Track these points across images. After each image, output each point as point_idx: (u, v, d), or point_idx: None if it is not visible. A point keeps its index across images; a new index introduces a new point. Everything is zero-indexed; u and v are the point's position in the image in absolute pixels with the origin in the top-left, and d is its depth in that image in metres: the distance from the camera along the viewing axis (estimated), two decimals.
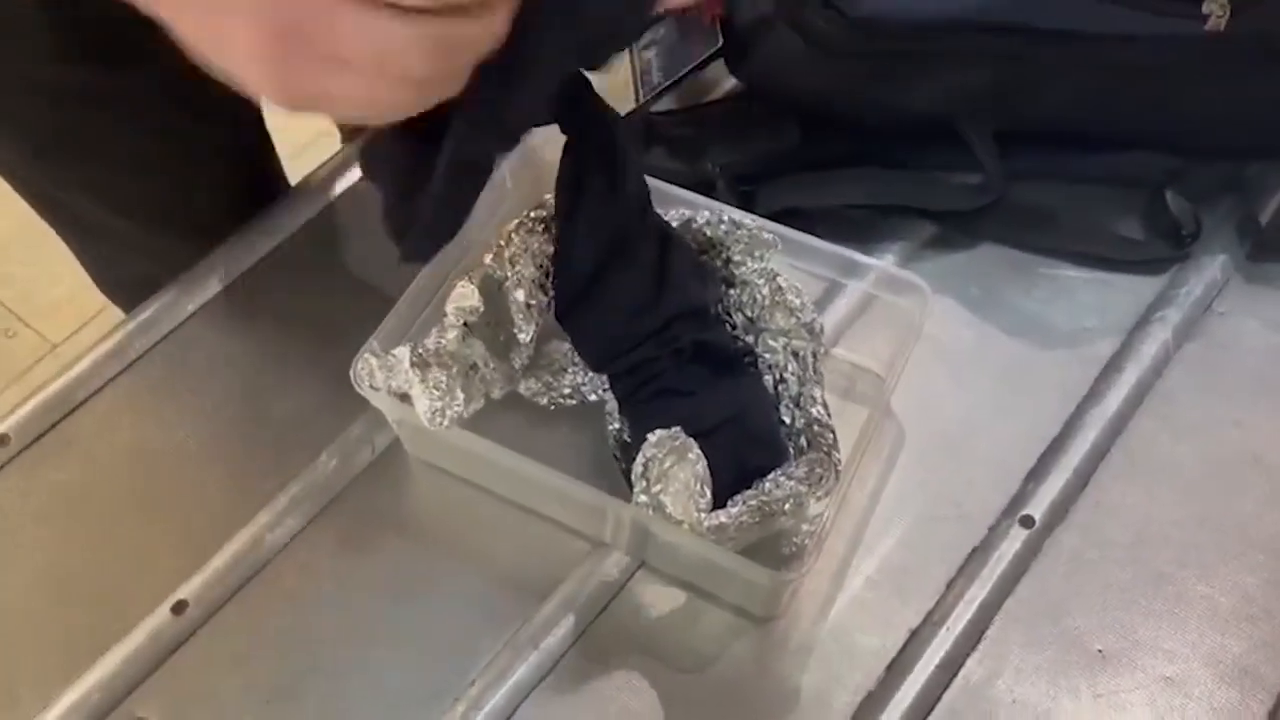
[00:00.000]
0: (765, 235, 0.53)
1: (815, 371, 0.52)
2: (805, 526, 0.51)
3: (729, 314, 0.54)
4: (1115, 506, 0.54)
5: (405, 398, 0.49)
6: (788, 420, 0.53)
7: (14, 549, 0.54)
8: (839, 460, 0.49)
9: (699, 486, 0.46)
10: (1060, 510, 0.53)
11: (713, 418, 0.49)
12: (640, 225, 0.50)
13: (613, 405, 0.53)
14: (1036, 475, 0.54)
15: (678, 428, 0.47)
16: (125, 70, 0.55)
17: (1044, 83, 0.57)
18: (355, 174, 0.66)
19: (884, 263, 0.59)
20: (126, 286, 0.61)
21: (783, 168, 0.62)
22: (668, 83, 0.60)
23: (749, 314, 0.53)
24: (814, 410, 0.51)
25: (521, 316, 0.51)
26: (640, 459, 0.47)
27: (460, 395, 0.49)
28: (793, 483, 0.48)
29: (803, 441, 0.52)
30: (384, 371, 0.49)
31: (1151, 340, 0.58)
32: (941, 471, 0.55)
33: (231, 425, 0.57)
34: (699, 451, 0.47)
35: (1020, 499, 0.54)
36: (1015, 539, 0.52)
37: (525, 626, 0.51)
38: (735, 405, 0.51)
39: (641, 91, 0.61)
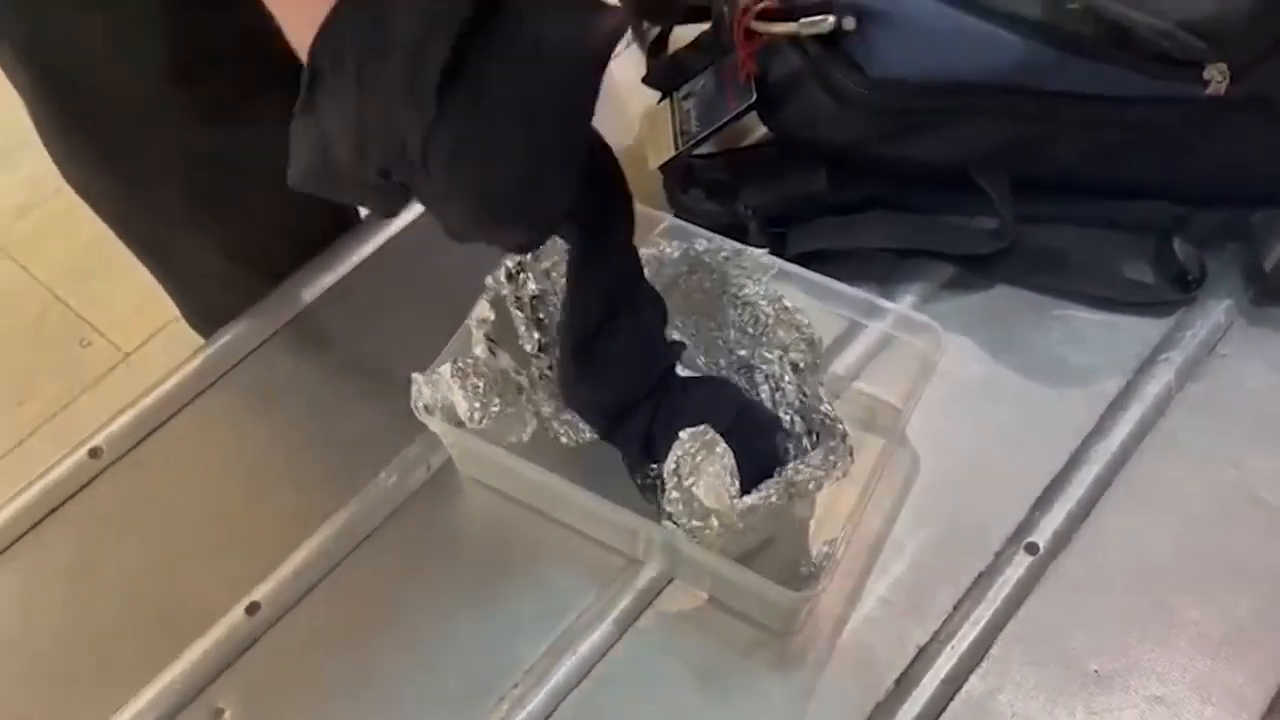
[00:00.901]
0: (763, 259, 0.58)
1: (815, 377, 0.56)
2: (824, 548, 0.55)
3: (726, 333, 0.59)
4: (1116, 536, 0.57)
5: (455, 414, 0.55)
6: (788, 424, 0.57)
7: (107, 553, 0.59)
8: (852, 446, 0.53)
9: (728, 477, 0.50)
10: (1064, 538, 0.57)
11: (719, 425, 0.53)
12: (638, 292, 0.54)
13: None
14: (1042, 505, 0.58)
15: (704, 425, 0.51)
16: (248, 132, 0.61)
17: (1055, 139, 0.61)
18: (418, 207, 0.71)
19: (901, 305, 0.63)
20: (214, 319, 0.67)
21: (811, 211, 0.66)
22: (705, 133, 0.64)
23: (751, 332, 0.58)
24: (822, 408, 0.55)
25: (524, 328, 0.57)
26: (672, 457, 0.51)
27: (497, 399, 0.54)
28: (811, 468, 0.52)
29: (805, 444, 0.56)
30: (430, 387, 0.54)
31: (1156, 380, 0.62)
32: (953, 499, 0.59)
33: (301, 444, 0.63)
34: (725, 445, 0.51)
35: (1026, 526, 0.58)
36: (1020, 564, 0.56)
37: (563, 635, 0.55)
38: (733, 410, 0.55)
39: (681, 140, 0.66)
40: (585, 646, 0.55)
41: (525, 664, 0.55)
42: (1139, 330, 0.64)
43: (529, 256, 0.58)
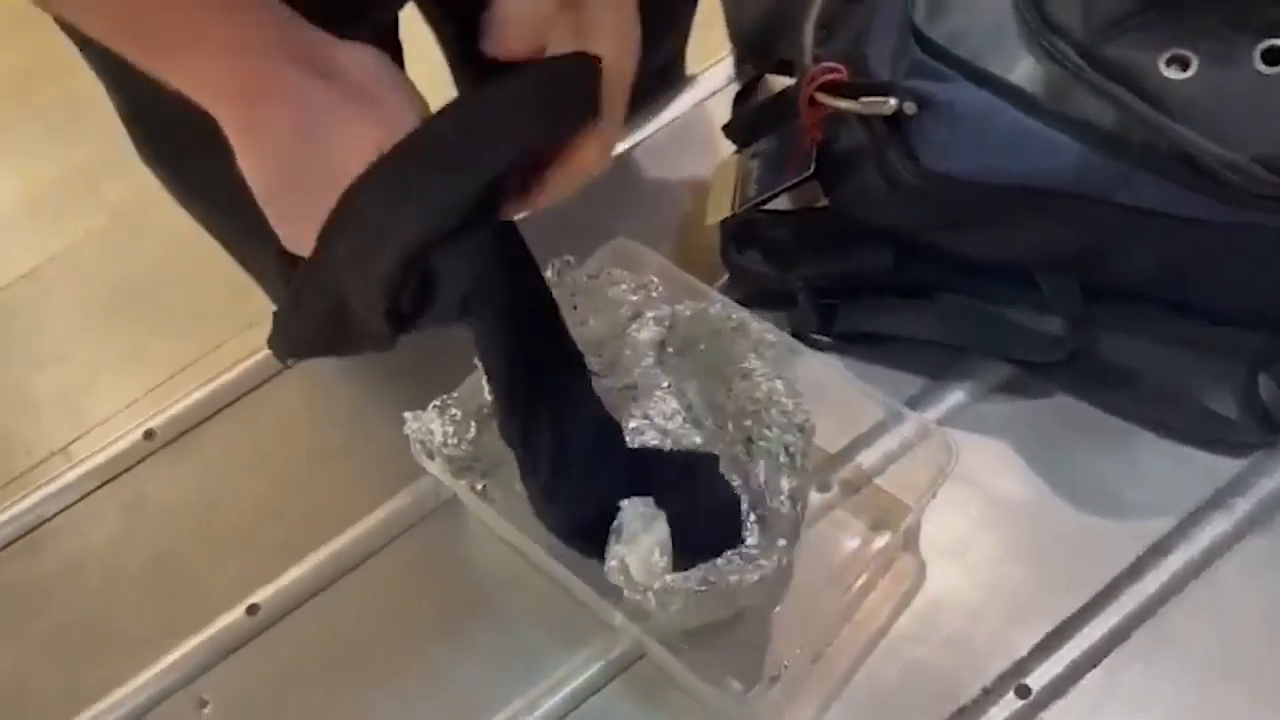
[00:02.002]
0: (769, 337, 0.56)
1: (801, 466, 0.54)
2: (798, 650, 0.53)
3: (732, 402, 0.58)
4: (1124, 693, 0.53)
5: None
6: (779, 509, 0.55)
7: (140, 531, 0.64)
8: (782, 546, 0.51)
9: (658, 554, 0.50)
10: (1062, 686, 0.53)
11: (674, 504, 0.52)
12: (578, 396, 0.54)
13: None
14: (1047, 645, 0.54)
15: (650, 498, 0.51)
16: None
17: (1127, 250, 0.56)
18: None
19: (945, 403, 0.61)
20: None
21: (868, 286, 0.64)
22: (759, 198, 0.62)
23: (750, 408, 0.56)
24: (775, 501, 0.53)
25: None
26: (616, 521, 0.51)
27: (473, 426, 0.55)
28: (738, 560, 0.51)
29: (749, 526, 0.55)
30: (417, 422, 0.55)
31: (1211, 526, 0.57)
32: (952, 621, 0.56)
33: (330, 454, 0.65)
34: (665, 522, 0.50)
35: (1023, 666, 0.54)
36: (1006, 707, 0.53)
37: (532, 691, 0.56)
38: (690, 494, 0.55)
39: (737, 201, 0.64)
40: (555, 702, 0.56)
41: (492, 710, 0.56)
42: (1205, 468, 0.58)
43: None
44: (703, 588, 0.49)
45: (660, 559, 0.49)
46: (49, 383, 1.56)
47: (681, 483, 0.55)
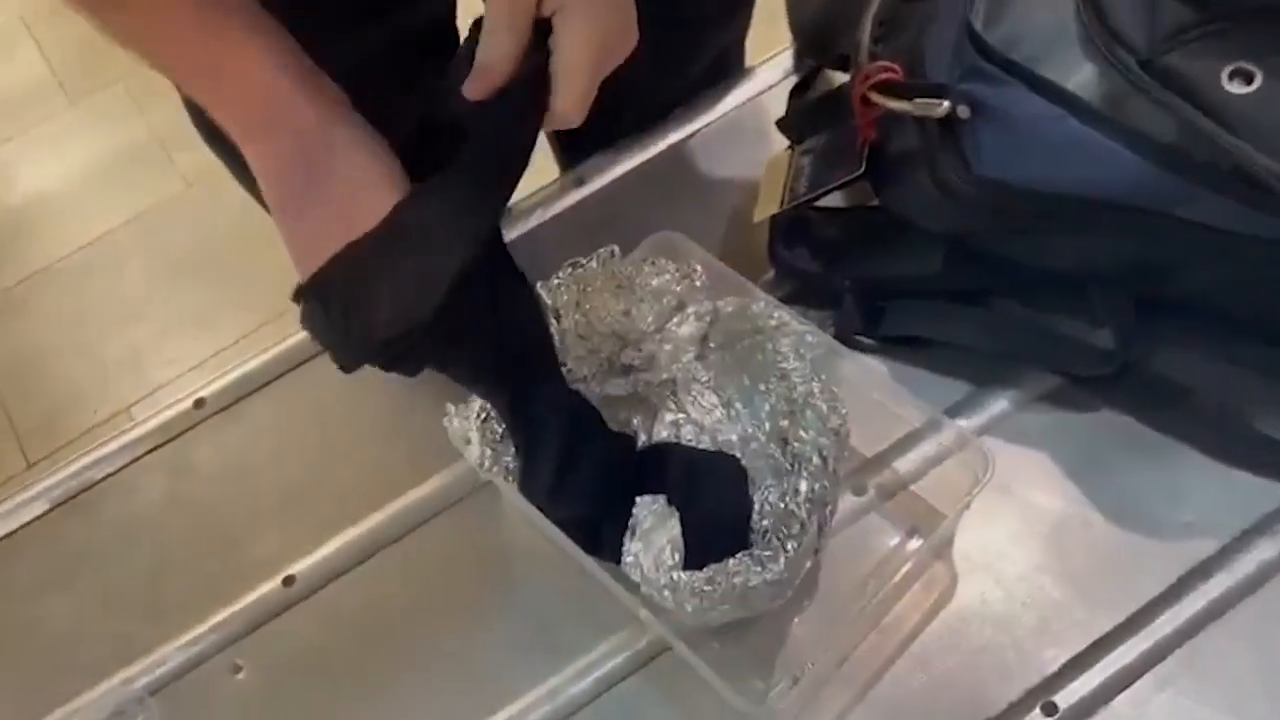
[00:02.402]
0: (810, 338, 0.56)
1: (832, 470, 0.54)
2: (822, 653, 0.53)
3: (768, 401, 0.58)
4: (1155, 718, 0.52)
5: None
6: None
7: (186, 498, 0.66)
8: (790, 550, 0.51)
9: (670, 551, 0.50)
10: (1090, 706, 0.52)
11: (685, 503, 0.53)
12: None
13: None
14: (1078, 663, 0.53)
15: (663, 496, 0.52)
16: None
17: (1186, 266, 0.54)
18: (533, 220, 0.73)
19: (986, 412, 0.60)
20: None
21: (915, 289, 0.63)
22: (807, 196, 0.62)
23: (785, 408, 0.56)
24: (793, 503, 0.53)
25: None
26: (632, 519, 0.52)
27: (511, 453, 0.55)
28: (748, 561, 0.50)
29: (762, 528, 0.55)
30: (460, 420, 0.56)
31: (1256, 551, 0.55)
32: (981, 633, 0.55)
33: (372, 432, 0.66)
34: (678, 520, 0.51)
35: (1052, 683, 0.53)
36: None
37: (556, 677, 0.56)
38: (702, 495, 0.55)
39: (786, 198, 0.63)
40: (573, 692, 0.56)
41: (513, 694, 0.56)
42: (1252, 492, 0.57)
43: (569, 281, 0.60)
44: (710, 587, 0.49)
45: (671, 556, 0.49)
46: (119, 344, 1.60)
47: (694, 482, 0.55)
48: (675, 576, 0.49)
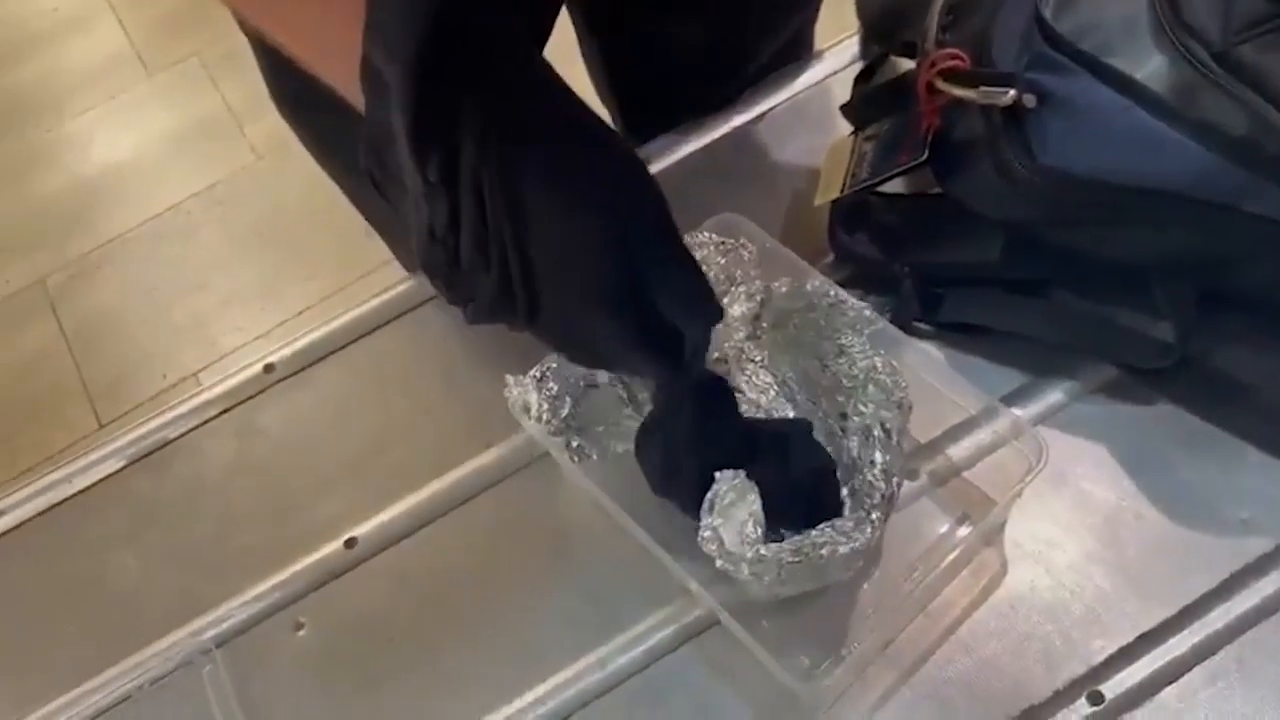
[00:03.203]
0: (865, 313, 0.57)
1: (896, 443, 0.55)
2: (870, 633, 0.54)
3: (827, 377, 0.58)
4: (1201, 712, 0.52)
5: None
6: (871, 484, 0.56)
7: (253, 459, 0.68)
8: (875, 520, 0.52)
9: (752, 524, 0.51)
10: (1137, 697, 0.52)
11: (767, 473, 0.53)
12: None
13: None
14: (1127, 654, 0.54)
15: (742, 471, 0.53)
16: None
17: (1252, 260, 0.54)
18: None
19: (1042, 402, 0.60)
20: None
21: (975, 277, 0.63)
22: (870, 181, 0.62)
23: (846, 383, 0.57)
24: (870, 474, 0.54)
25: None
26: (709, 495, 0.53)
27: (568, 403, 0.57)
28: (832, 532, 0.52)
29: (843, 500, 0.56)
30: (520, 388, 0.57)
31: None
32: (1029, 620, 0.55)
33: (433, 401, 0.68)
34: (758, 494, 0.52)
35: (1099, 673, 0.53)
36: (1076, 711, 0.52)
37: (605, 646, 0.58)
38: (783, 462, 0.55)
39: (849, 182, 0.63)
40: (622, 661, 0.57)
41: (563, 662, 0.58)
42: None
43: None
44: (795, 559, 0.50)
45: (754, 530, 0.50)
46: (187, 311, 1.64)
47: (775, 451, 0.55)
48: (760, 550, 0.50)
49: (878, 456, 0.54)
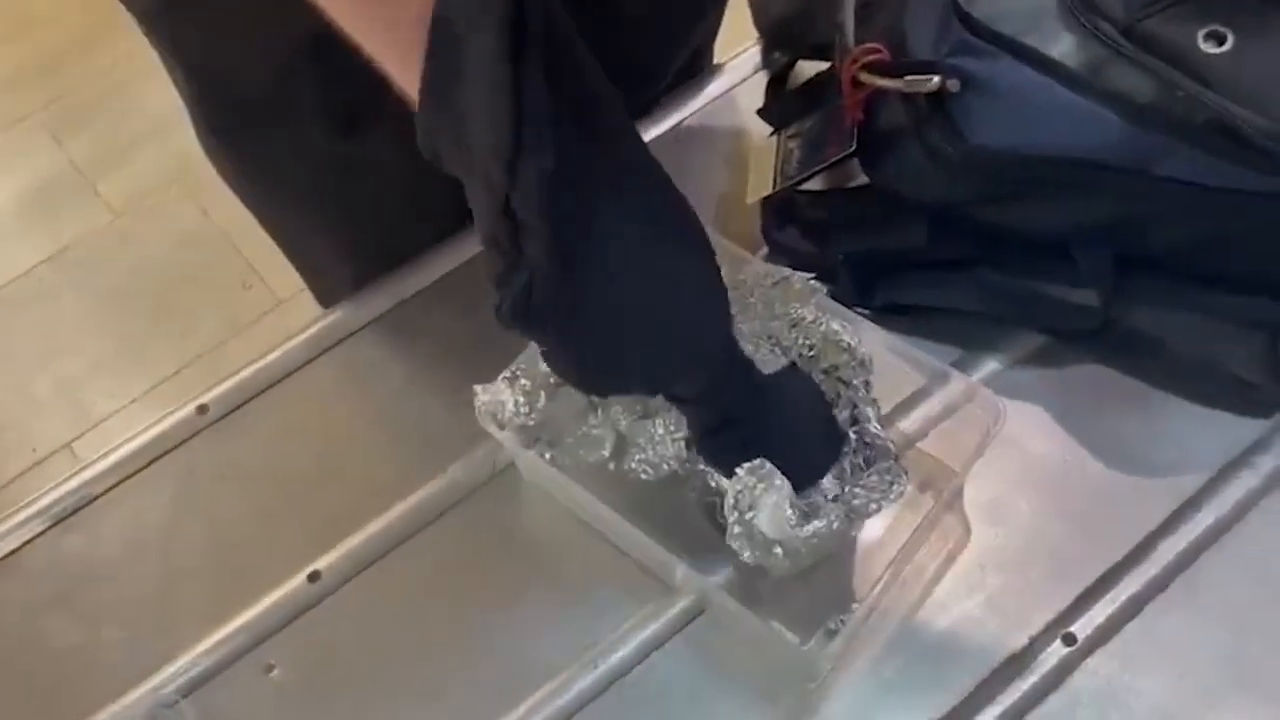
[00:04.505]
0: (811, 284, 0.59)
1: (867, 395, 0.57)
2: (855, 607, 0.56)
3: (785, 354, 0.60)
4: (1161, 641, 0.56)
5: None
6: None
7: (194, 504, 0.65)
8: (905, 469, 0.55)
9: (788, 507, 0.52)
10: (1105, 634, 0.56)
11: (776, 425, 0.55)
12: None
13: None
14: (1090, 596, 0.57)
15: (760, 459, 0.53)
16: (377, 137, 0.64)
17: (1161, 222, 0.58)
18: None
19: (982, 371, 0.63)
20: (332, 298, 0.72)
21: (905, 263, 0.66)
22: (802, 175, 0.64)
23: (805, 354, 0.59)
24: (870, 428, 0.56)
25: None
26: (730, 493, 0.53)
27: (542, 396, 0.57)
28: (868, 491, 0.55)
29: (860, 459, 0.57)
30: (488, 395, 0.57)
31: (1239, 484, 0.59)
32: (997, 576, 0.58)
33: (382, 427, 0.67)
34: (783, 477, 0.52)
35: (1068, 615, 0.56)
36: (1054, 653, 0.55)
37: (592, 648, 0.58)
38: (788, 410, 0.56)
39: (779, 179, 0.66)
40: (613, 661, 0.57)
41: (552, 669, 0.57)
42: (1230, 430, 0.61)
43: None
44: (837, 523, 0.52)
45: (791, 512, 0.52)
46: (50, 380, 1.56)
47: (773, 400, 0.56)
48: (806, 530, 0.52)
49: (869, 412, 0.56)
